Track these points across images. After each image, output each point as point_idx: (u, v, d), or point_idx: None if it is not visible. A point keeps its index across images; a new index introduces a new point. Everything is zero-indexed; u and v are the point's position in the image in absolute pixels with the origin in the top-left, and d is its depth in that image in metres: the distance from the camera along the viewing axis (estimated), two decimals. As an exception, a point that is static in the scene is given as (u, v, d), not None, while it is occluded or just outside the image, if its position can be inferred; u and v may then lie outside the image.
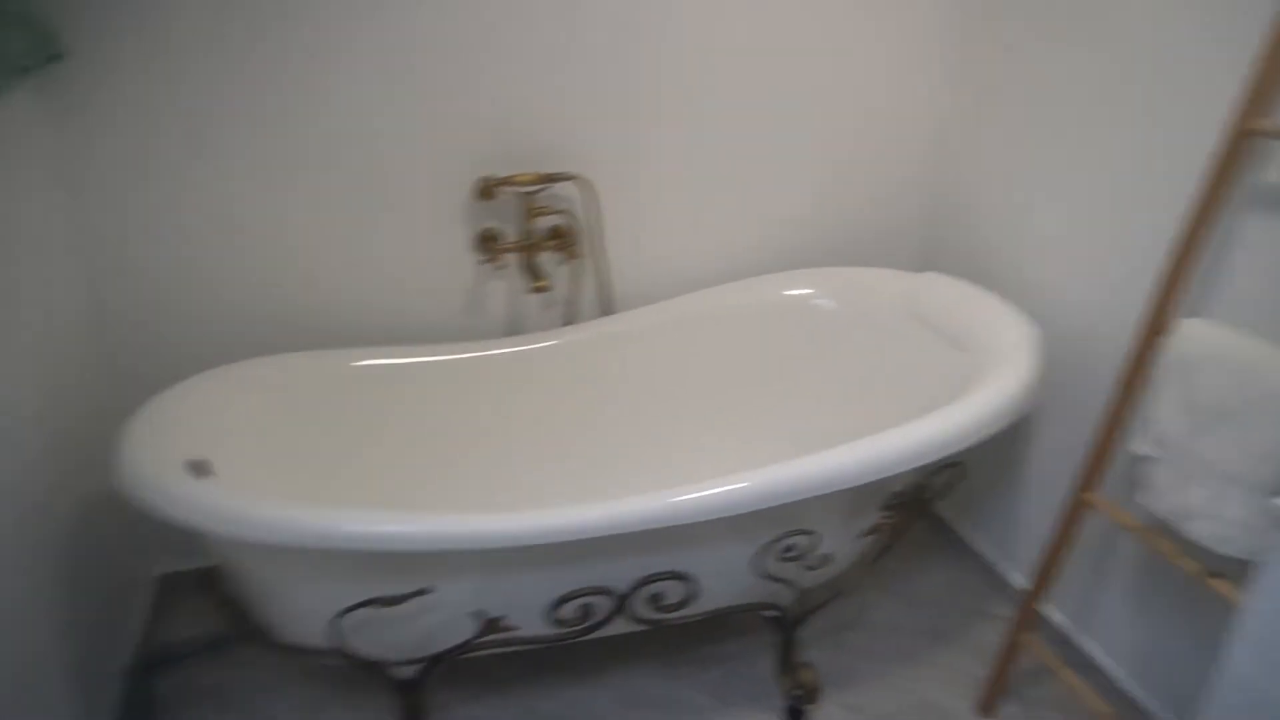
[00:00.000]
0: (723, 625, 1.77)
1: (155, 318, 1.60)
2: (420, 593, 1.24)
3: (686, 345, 1.83)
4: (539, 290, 1.59)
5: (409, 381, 1.67)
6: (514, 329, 1.79)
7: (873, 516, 1.45)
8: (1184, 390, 1.24)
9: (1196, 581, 1.31)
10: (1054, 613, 1.72)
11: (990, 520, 1.90)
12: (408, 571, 1.24)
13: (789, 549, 1.36)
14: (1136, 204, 1.45)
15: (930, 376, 1.66)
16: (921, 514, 1.55)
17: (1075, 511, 1.44)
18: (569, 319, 1.81)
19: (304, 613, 1.30)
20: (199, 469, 1.28)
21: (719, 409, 1.88)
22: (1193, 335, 1.23)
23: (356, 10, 1.48)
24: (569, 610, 1.32)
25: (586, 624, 1.35)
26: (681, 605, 1.37)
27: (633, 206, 1.77)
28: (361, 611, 1.24)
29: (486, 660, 1.65)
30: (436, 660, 1.36)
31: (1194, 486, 1.23)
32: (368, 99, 1.54)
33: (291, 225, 1.60)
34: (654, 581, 1.32)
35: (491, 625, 1.31)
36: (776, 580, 1.41)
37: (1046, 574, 1.49)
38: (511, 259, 1.73)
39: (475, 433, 1.73)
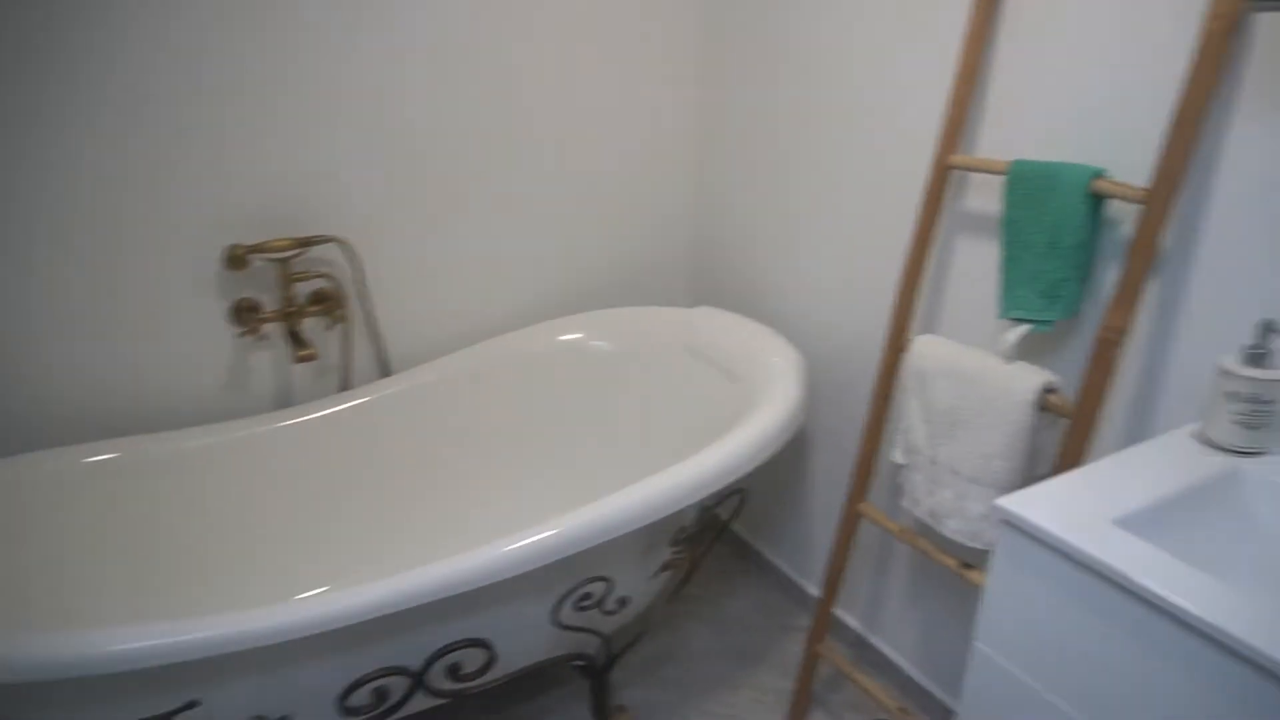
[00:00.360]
0: (537, 677, 1.74)
1: None
2: (189, 706, 1.13)
3: (468, 399, 1.80)
4: (305, 359, 1.52)
5: (170, 470, 1.53)
6: (284, 401, 1.69)
7: (665, 553, 1.48)
8: (923, 401, 1.36)
9: (955, 574, 1.43)
10: (848, 618, 1.82)
11: (784, 537, 1.99)
12: (170, 685, 1.13)
13: (585, 598, 1.36)
14: (874, 232, 1.58)
15: (708, 408, 1.72)
16: (713, 543, 1.60)
17: (850, 521, 1.53)
18: (344, 384, 1.73)
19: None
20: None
21: (508, 460, 1.87)
22: (924, 351, 1.35)
23: (79, 74, 1.36)
24: (361, 697, 1.25)
25: (383, 708, 1.28)
26: (483, 670, 1.33)
27: (397, 264, 1.73)
28: (120, 736, 1.12)
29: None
30: (216, 775, 1.24)
31: (942, 489, 1.34)
32: (97, 173, 1.42)
33: (30, 314, 1.44)
34: (450, 652, 1.28)
35: (274, 728, 1.21)
36: (577, 630, 1.40)
37: (832, 584, 1.58)
38: (273, 328, 1.64)
39: (249, 517, 1.62)
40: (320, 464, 1.67)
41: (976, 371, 1.27)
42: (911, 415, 1.38)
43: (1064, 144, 1.24)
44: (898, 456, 1.42)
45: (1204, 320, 1.12)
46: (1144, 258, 1.10)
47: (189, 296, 1.55)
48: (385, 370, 1.77)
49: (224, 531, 1.60)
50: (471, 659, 1.31)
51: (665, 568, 1.49)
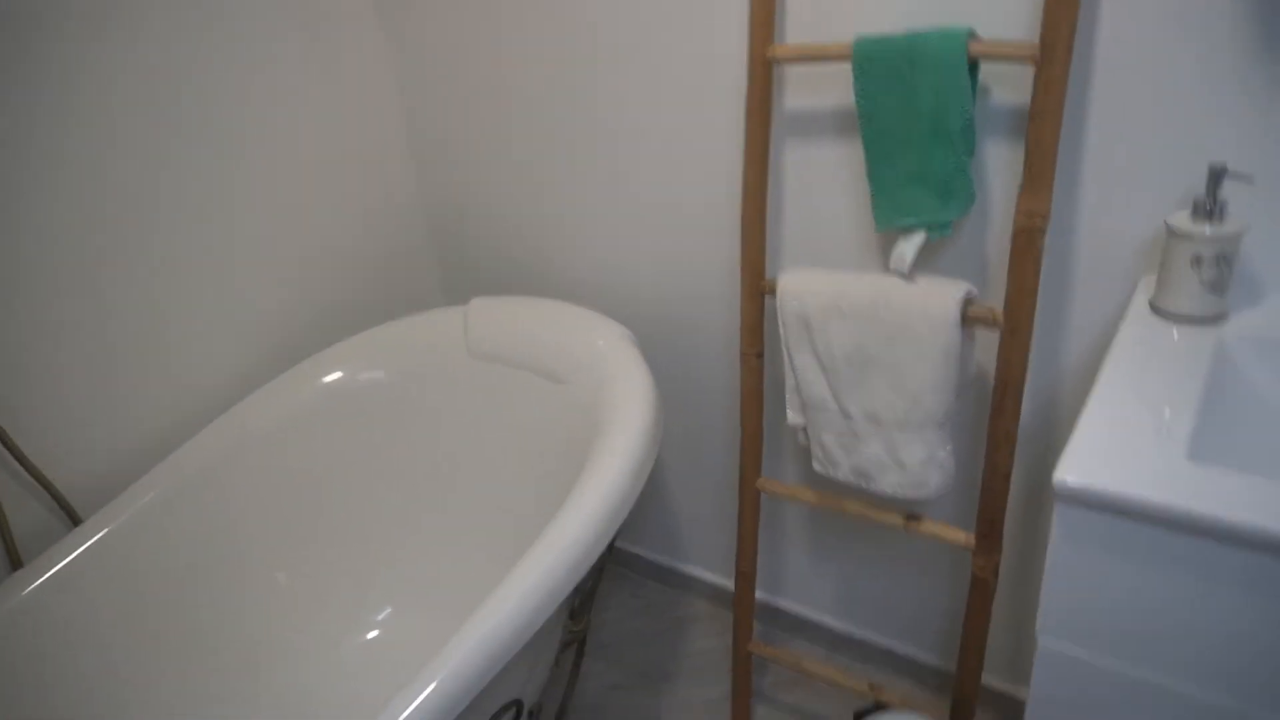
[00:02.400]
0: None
1: None
2: None
3: (211, 510, 1.30)
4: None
5: None
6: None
7: (562, 630, 1.15)
8: (813, 349, 1.12)
9: (876, 523, 1.26)
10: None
11: (642, 524, 1.73)
12: None
13: (497, 737, 1.01)
14: (695, 160, 1.29)
15: (539, 420, 1.38)
16: (598, 583, 1.29)
17: (751, 501, 1.29)
18: (14, 560, 1.16)
19: None
20: None
21: (317, 555, 1.41)
22: (798, 289, 1.11)
23: None
24: None
25: None
26: None
27: (26, 377, 1.17)
28: None
29: None
30: None
31: (865, 444, 1.13)
32: None
33: None
34: None
35: None
36: (493, 772, 1.05)
37: (747, 573, 1.34)
38: None
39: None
40: (31, 677, 1.11)
41: (874, 300, 1.06)
42: (803, 368, 1.15)
43: (894, 9, 1.02)
44: (795, 419, 1.19)
45: (1115, 181, 0.97)
46: (1052, 124, 0.91)
47: None
48: (72, 517, 1.21)
49: None
50: None
51: (567, 645, 1.17)
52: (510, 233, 1.56)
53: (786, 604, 1.57)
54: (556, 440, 1.32)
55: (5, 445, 1.14)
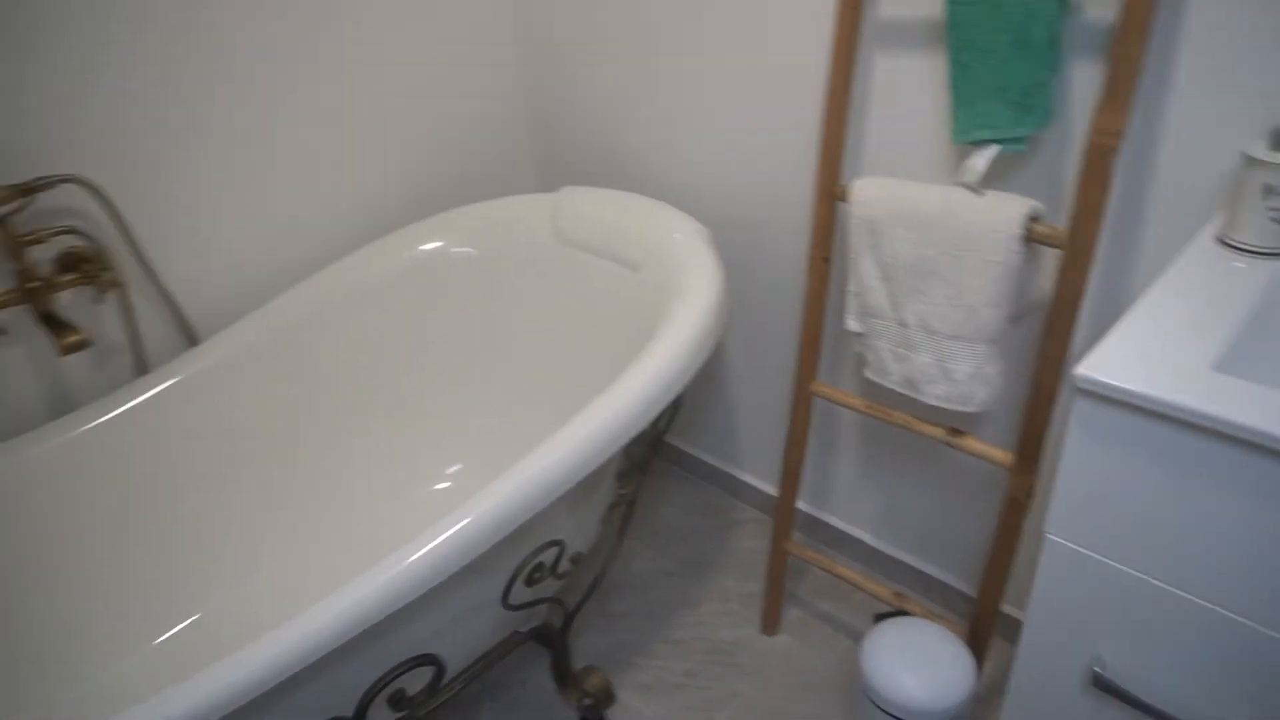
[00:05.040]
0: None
1: None
2: None
3: (313, 349, 1.45)
4: (74, 348, 1.11)
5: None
6: (62, 406, 1.28)
7: (611, 491, 1.25)
8: (877, 256, 1.16)
9: (922, 439, 1.29)
10: (798, 502, 1.68)
11: (705, 428, 1.80)
12: None
13: (537, 569, 1.11)
14: (781, 66, 1.32)
15: (613, 304, 1.46)
16: (650, 461, 1.37)
17: (802, 404, 1.35)
18: (141, 366, 1.33)
19: None
20: None
21: (386, 413, 1.54)
22: (869, 196, 1.14)
23: None
24: (287, 773, 0.96)
25: (317, 771, 1.00)
26: (433, 685, 1.07)
27: (171, 201, 1.32)
28: None
29: None
30: None
31: (918, 353, 1.16)
32: None
33: None
34: (386, 685, 1.00)
35: None
36: (530, 605, 1.16)
37: (793, 475, 1.40)
38: (16, 314, 1.20)
39: (59, 558, 1.23)
40: (140, 469, 1.29)
41: (942, 211, 1.08)
42: (865, 275, 1.18)
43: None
44: (853, 324, 1.23)
45: (1197, 110, 0.96)
46: (1136, 40, 0.91)
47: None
48: (191, 338, 1.37)
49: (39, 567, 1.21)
50: (414, 679, 1.04)
51: (615, 506, 1.26)
52: (601, 128, 1.62)
53: (829, 518, 1.63)
54: (628, 322, 1.40)
55: (146, 270, 1.29)
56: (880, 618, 1.27)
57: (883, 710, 1.17)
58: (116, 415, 1.27)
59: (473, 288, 1.57)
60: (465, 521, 0.93)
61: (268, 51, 1.35)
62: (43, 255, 1.21)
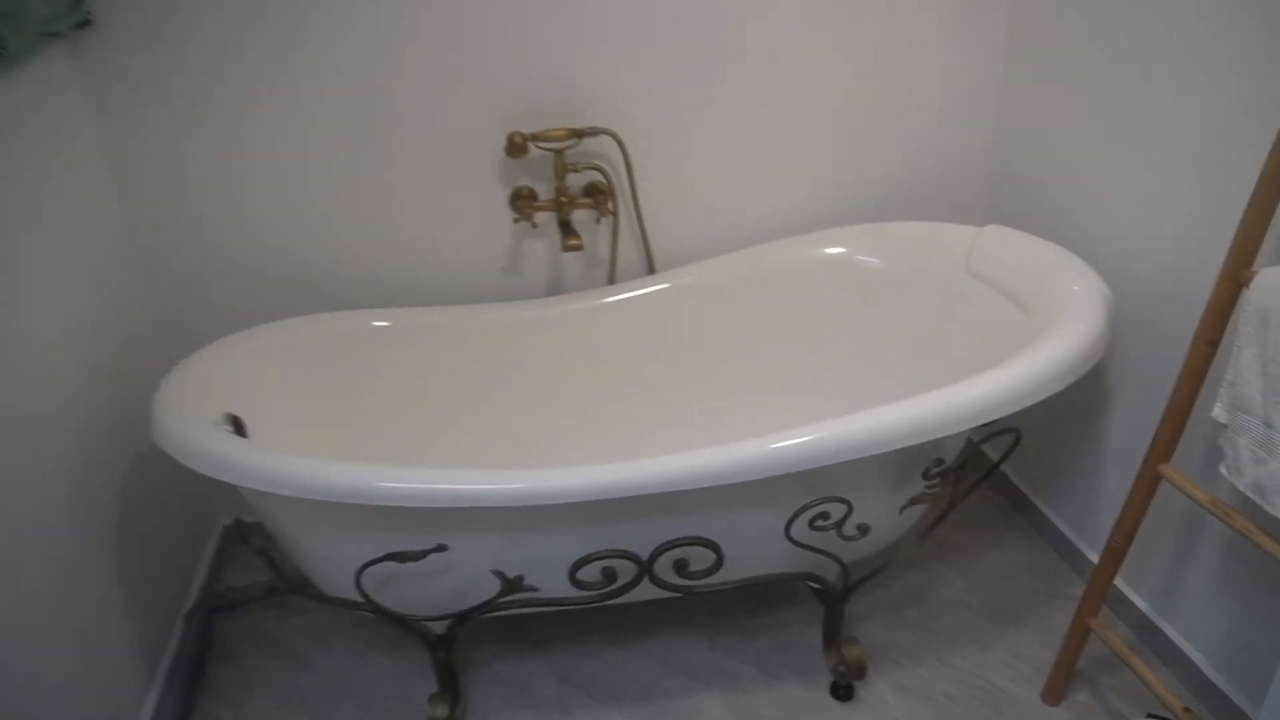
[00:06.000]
0: (774, 592, 1.72)
1: (197, 278, 1.66)
2: (438, 549, 1.24)
3: (727, 306, 1.77)
4: (571, 249, 1.56)
5: (440, 341, 1.68)
6: (555, 290, 1.77)
7: (916, 486, 1.36)
8: (1262, 348, 1.10)
9: (1248, 540, 1.18)
10: (1134, 596, 1.58)
11: (1068, 496, 1.76)
12: (425, 528, 1.25)
13: (821, 517, 1.29)
14: (1220, 143, 1.29)
15: (991, 338, 1.54)
16: (976, 485, 1.44)
17: (1147, 484, 1.31)
18: (611, 279, 1.77)
19: (330, 565, 1.33)
20: (233, 425, 1.33)
21: (761, 372, 1.81)
22: (1272, 285, 1.08)
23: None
24: (590, 573, 1.29)
25: (611, 588, 1.32)
26: (710, 571, 1.33)
27: (667, 162, 1.72)
28: (384, 567, 1.26)
29: (529, 620, 1.66)
30: (462, 618, 1.37)
31: (1276, 458, 1.08)
32: (390, 57, 1.55)
33: (326, 187, 1.63)
34: (676, 547, 1.28)
35: (512, 585, 1.30)
36: (812, 550, 1.34)
37: (1117, 550, 1.36)
38: (546, 218, 1.71)
39: (511, 392, 1.73)
40: (581, 353, 1.74)
41: (1347, 316, 1.00)
42: (1244, 365, 1.12)
43: None
44: (1220, 415, 1.17)
45: None
46: None
47: (474, 180, 1.66)
48: (650, 268, 1.78)
49: (467, 405, 1.72)
50: (699, 558, 1.31)
51: (915, 501, 1.38)
52: (1051, 168, 1.67)
53: (1167, 626, 1.51)
54: (1005, 353, 1.47)
55: (635, 211, 1.73)
56: (1151, 717, 1.20)
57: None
58: (587, 306, 1.73)
59: (868, 294, 1.75)
60: (757, 448, 1.18)
61: (778, 42, 1.66)
62: (575, 181, 1.69)
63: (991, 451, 1.69)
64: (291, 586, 1.43)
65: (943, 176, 1.86)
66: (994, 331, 1.54)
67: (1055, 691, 1.48)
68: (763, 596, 1.71)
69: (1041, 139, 1.71)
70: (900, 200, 1.86)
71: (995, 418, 1.23)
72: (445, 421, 1.71)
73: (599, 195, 1.69)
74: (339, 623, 1.70)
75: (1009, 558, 1.80)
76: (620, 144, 1.66)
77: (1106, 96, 1.52)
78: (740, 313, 1.78)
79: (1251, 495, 1.12)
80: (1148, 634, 1.55)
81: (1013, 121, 1.79)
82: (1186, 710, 1.23)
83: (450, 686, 1.48)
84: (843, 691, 1.51)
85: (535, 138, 1.58)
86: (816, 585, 1.48)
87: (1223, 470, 1.18)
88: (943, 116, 1.80)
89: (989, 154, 1.86)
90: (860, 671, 1.50)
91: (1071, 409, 1.71)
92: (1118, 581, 1.62)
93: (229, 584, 1.79)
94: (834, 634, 1.53)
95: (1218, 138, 1.30)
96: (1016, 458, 1.95)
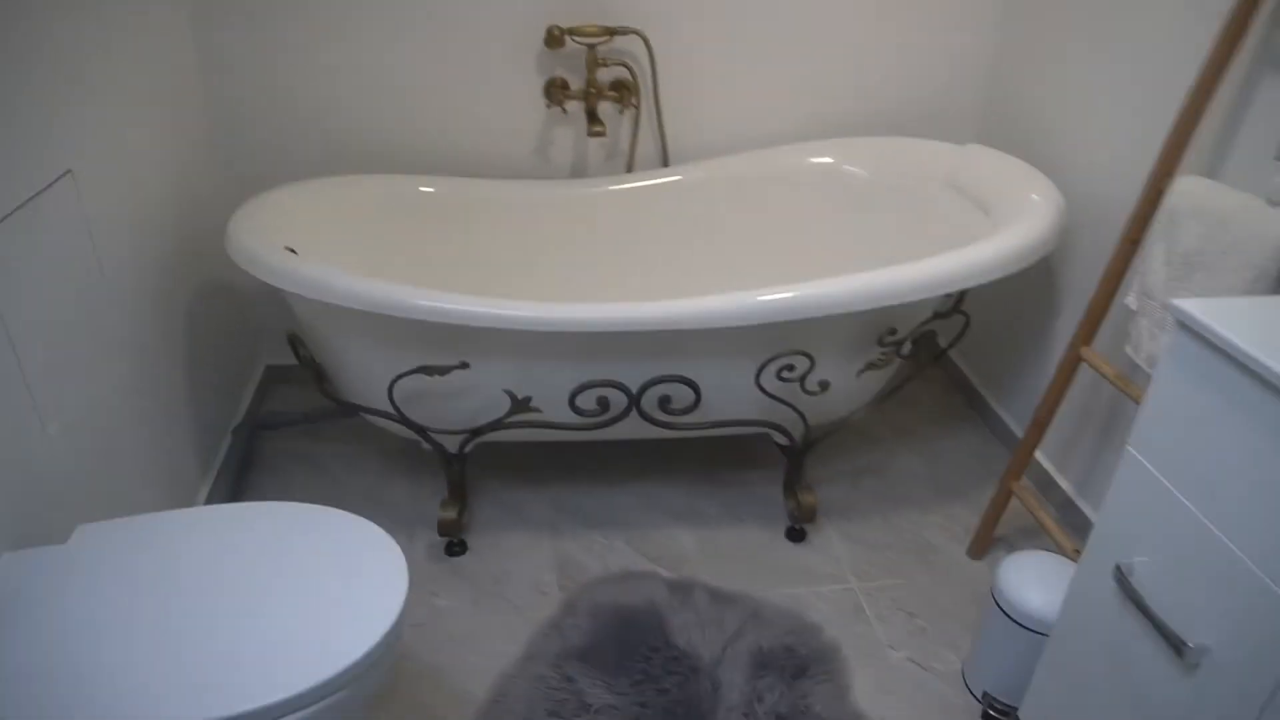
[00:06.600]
0: (746, 453, 1.95)
1: (264, 136, 1.88)
2: (461, 365, 1.48)
3: (729, 201, 1.97)
4: (595, 134, 1.76)
5: (474, 209, 1.90)
6: (578, 173, 1.98)
7: (872, 352, 1.58)
8: (1168, 243, 1.30)
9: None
10: (1057, 475, 1.80)
11: (1016, 391, 1.97)
12: (451, 346, 1.48)
13: (787, 368, 1.52)
14: (1166, 69, 1.47)
15: (956, 238, 1.74)
16: (926, 366, 1.66)
17: (1069, 364, 1.52)
18: (629, 167, 1.97)
19: (367, 378, 1.57)
20: (291, 252, 1.55)
21: (759, 258, 2.02)
22: (1183, 190, 1.28)
23: None
24: (587, 400, 1.52)
25: (604, 416, 1.55)
26: (689, 409, 1.55)
27: (686, 66, 1.91)
28: (414, 381, 1.49)
29: (530, 456, 1.91)
30: (476, 433, 1.61)
31: (1166, 334, 1.29)
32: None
33: (384, 65, 1.83)
34: (661, 382, 1.51)
35: (520, 405, 1.53)
36: (779, 401, 1.57)
37: (1040, 424, 1.58)
38: (575, 106, 1.90)
39: (529, 259, 1.95)
40: (598, 230, 1.95)
41: (1231, 212, 1.20)
42: (1153, 258, 1.33)
43: None
44: (1131, 301, 1.38)
45: None
46: None
47: (516, 67, 1.85)
48: (664, 161, 1.98)
49: (491, 267, 1.95)
50: (681, 396, 1.53)
51: (870, 366, 1.60)
52: (1034, 98, 1.85)
53: (1062, 480, 1.73)
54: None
55: (656, 107, 1.91)
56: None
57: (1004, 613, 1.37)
58: (604, 190, 1.93)
59: (846, 198, 1.95)
60: (734, 300, 1.39)
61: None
62: (604, 76, 1.88)
63: (941, 334, 1.90)
64: (327, 395, 1.66)
65: (938, 97, 2.04)
66: (963, 234, 1.74)
67: (979, 548, 1.71)
68: (737, 457, 1.95)
69: (1031, 70, 1.88)
70: (899, 116, 2.04)
71: (942, 292, 1.44)
72: (470, 273, 1.94)
73: (624, 90, 1.88)
74: (366, 450, 1.95)
75: (962, 444, 2.03)
76: (648, 44, 1.85)
77: (1084, 30, 1.69)
78: (741, 206, 1.99)
79: (1146, 368, 1.33)
80: (1069, 511, 1.78)
81: (1009, 51, 1.96)
82: (1076, 552, 1.46)
83: (459, 496, 1.73)
84: (796, 534, 1.75)
85: (572, 32, 1.77)
86: (782, 443, 1.71)
87: (1128, 350, 1.39)
88: (947, 48, 1.98)
89: (982, 81, 2.03)
90: (811, 514, 1.74)
91: (1023, 310, 1.92)
92: (1047, 465, 1.85)
93: (268, 409, 2.05)
94: (793, 484, 1.76)
95: (1164, 69, 1.48)
96: (974, 359, 2.17)
